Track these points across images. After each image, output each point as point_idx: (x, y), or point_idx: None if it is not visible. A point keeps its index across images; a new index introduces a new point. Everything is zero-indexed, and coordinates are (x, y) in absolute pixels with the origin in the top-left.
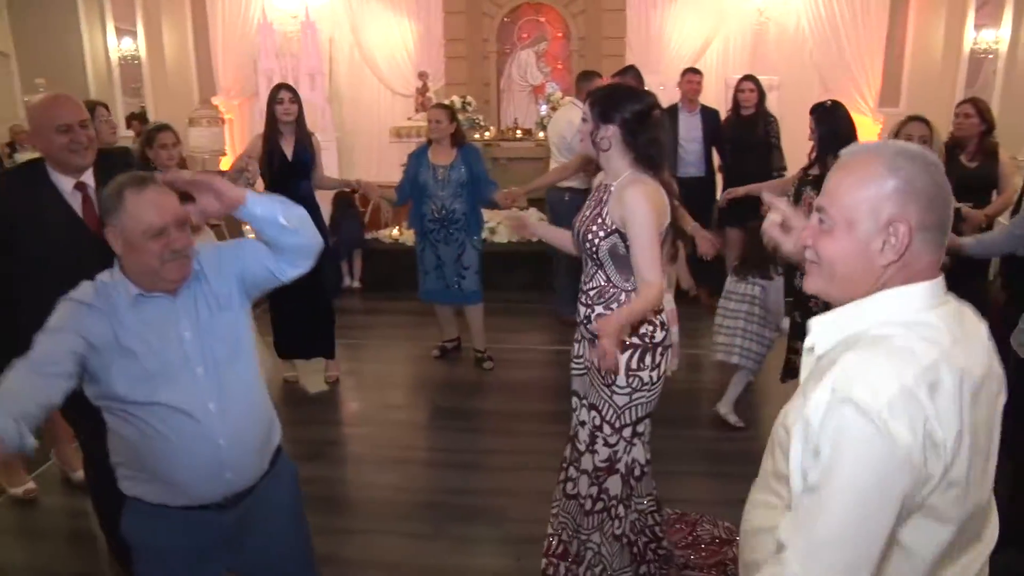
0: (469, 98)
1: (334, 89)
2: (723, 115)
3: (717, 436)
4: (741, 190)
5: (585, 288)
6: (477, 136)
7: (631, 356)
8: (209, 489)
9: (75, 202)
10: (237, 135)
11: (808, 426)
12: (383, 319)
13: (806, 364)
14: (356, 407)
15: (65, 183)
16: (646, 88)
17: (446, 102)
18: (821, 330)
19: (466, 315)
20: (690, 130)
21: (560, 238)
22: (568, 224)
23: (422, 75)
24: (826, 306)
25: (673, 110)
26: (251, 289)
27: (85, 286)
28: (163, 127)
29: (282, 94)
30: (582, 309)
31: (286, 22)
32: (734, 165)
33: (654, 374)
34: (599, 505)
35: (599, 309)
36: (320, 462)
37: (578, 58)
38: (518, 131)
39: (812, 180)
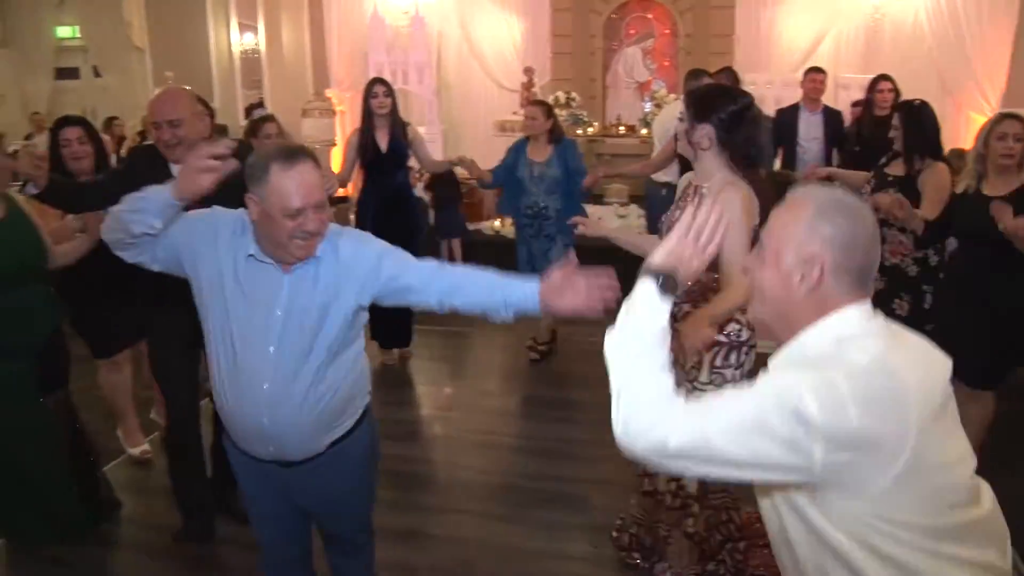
0: (573, 94)
1: (441, 82)
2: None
3: None
4: (824, 171)
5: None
6: (580, 132)
7: (716, 353)
8: (254, 448)
9: None
10: (348, 126)
11: None
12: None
13: None
14: (450, 392)
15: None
16: (744, 87)
17: (549, 98)
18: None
19: None
20: (811, 129)
21: (637, 243)
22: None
23: (528, 70)
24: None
25: (794, 109)
26: (377, 299)
27: (227, 217)
28: (268, 118)
29: (376, 88)
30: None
31: (397, 17)
32: (864, 166)
33: (737, 372)
34: (677, 502)
35: (686, 307)
36: (411, 442)
37: (685, 55)
38: (621, 127)
39: (894, 181)
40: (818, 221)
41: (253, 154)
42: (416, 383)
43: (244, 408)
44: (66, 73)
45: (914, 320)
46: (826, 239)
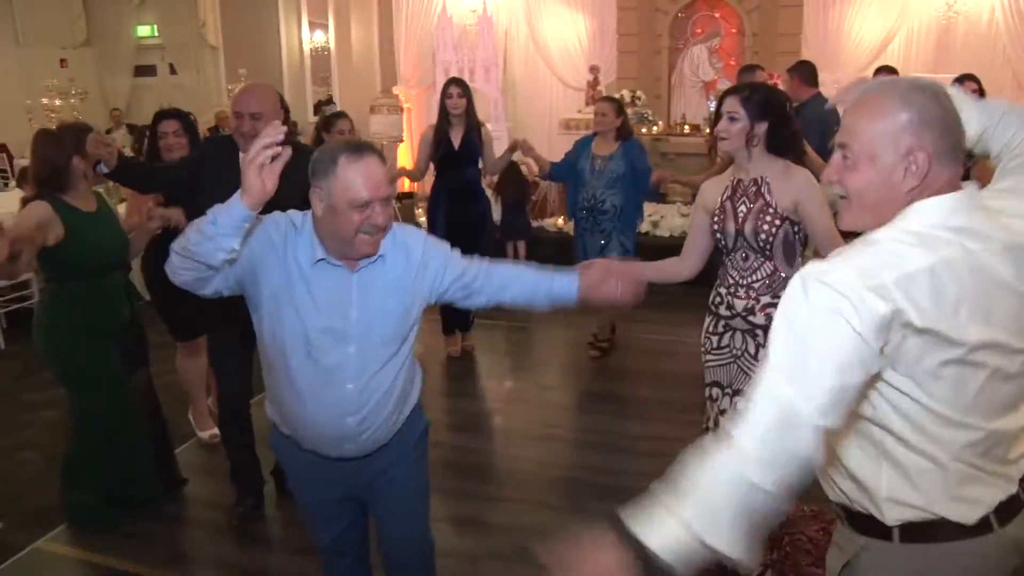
0: (639, 92)
1: (508, 80)
2: None
3: None
4: None
5: (747, 281)
6: (644, 130)
7: None
8: (327, 449)
9: None
10: (415, 123)
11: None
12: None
13: None
14: (511, 385)
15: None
16: (819, 86)
17: (615, 96)
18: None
19: None
20: None
21: (662, 272)
22: None
23: (594, 69)
24: None
25: None
26: (440, 298)
27: (280, 221)
28: (341, 115)
29: (451, 89)
30: (739, 302)
31: (465, 16)
32: None
33: None
34: None
35: (766, 299)
36: (472, 433)
37: (751, 55)
38: (686, 126)
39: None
40: (905, 111)
41: (319, 150)
42: (478, 376)
43: (326, 411)
44: (144, 71)
45: None
46: (919, 126)
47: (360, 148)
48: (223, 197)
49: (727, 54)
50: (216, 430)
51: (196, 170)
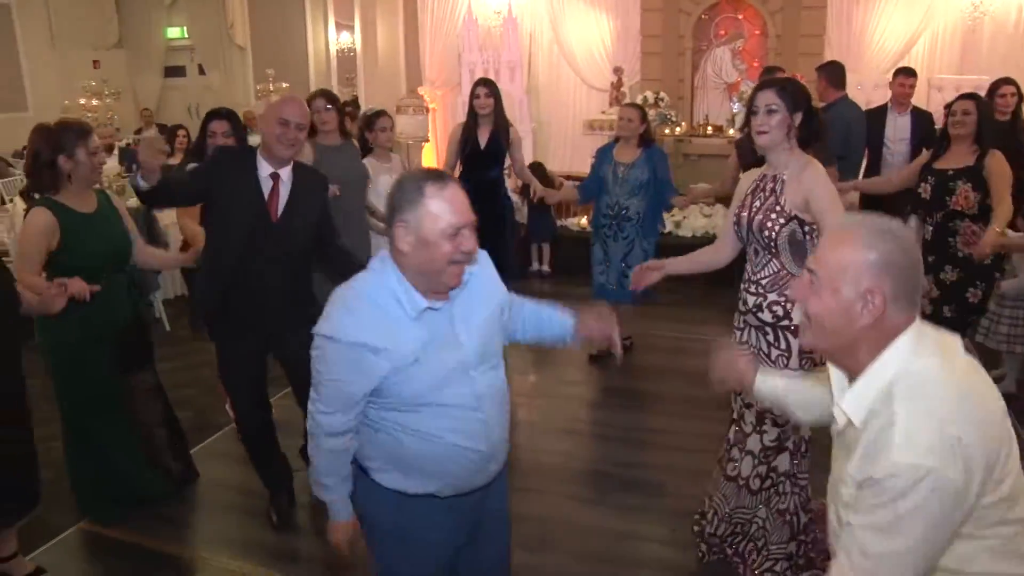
0: (662, 94)
1: (532, 81)
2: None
3: None
4: (848, 186)
5: (755, 278)
6: (668, 131)
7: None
8: (474, 479)
9: (265, 187)
10: (440, 123)
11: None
12: (567, 302)
13: (844, 440)
14: (534, 380)
15: (264, 169)
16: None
17: (638, 98)
18: (851, 408)
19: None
20: (898, 131)
21: (696, 263)
22: None
23: (617, 70)
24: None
25: (882, 111)
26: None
27: (375, 292)
28: (382, 112)
29: (479, 89)
30: (751, 298)
31: (490, 18)
32: None
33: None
34: (767, 483)
35: (772, 296)
36: None
37: (775, 56)
38: (709, 127)
39: (957, 173)
40: (869, 252)
41: (401, 182)
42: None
43: (465, 446)
44: (174, 71)
45: (980, 308)
46: (880, 268)
47: (441, 175)
48: (232, 208)
49: (750, 56)
50: None
51: (209, 184)
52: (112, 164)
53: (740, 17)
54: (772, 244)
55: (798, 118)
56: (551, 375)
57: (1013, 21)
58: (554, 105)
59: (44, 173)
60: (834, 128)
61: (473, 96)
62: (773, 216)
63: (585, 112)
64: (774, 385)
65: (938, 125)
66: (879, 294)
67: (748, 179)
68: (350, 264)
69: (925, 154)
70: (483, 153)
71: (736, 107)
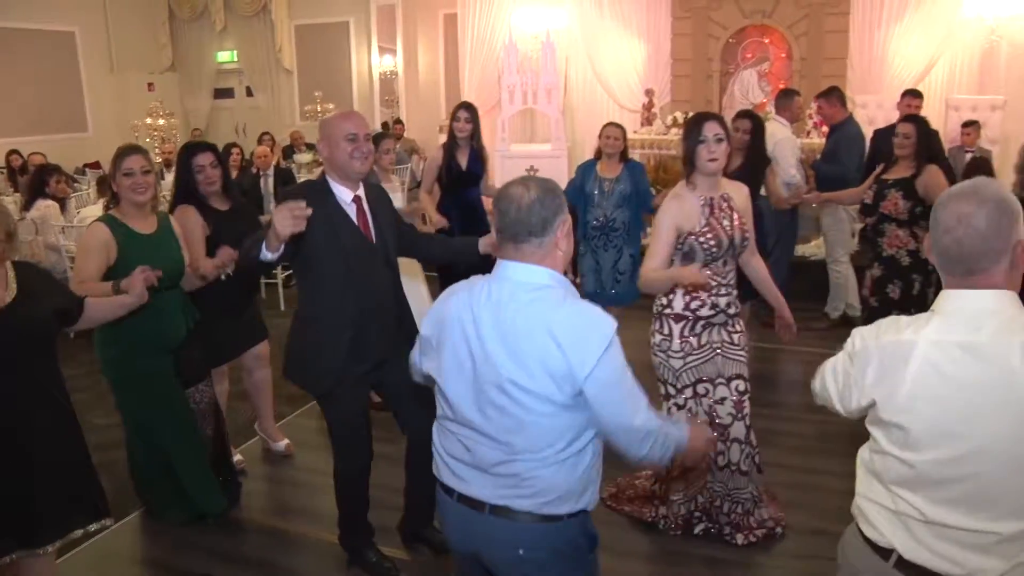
0: (691, 114)
1: (568, 102)
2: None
3: None
4: (820, 197)
5: (726, 280)
6: None
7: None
8: None
9: (351, 211)
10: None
11: None
12: None
13: None
14: None
15: (344, 195)
16: (856, 109)
17: (667, 119)
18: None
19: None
20: None
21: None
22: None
23: (649, 92)
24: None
25: (891, 129)
26: None
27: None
28: (385, 135)
29: (460, 113)
30: (722, 299)
31: (528, 42)
32: None
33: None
34: (756, 459)
35: (735, 292)
36: None
37: (799, 78)
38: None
39: (895, 183)
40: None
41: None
42: None
43: None
44: (223, 93)
45: (903, 304)
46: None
47: None
48: (336, 240)
49: (776, 78)
50: (240, 456)
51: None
52: (170, 180)
53: (766, 41)
54: (742, 250)
55: (729, 147)
56: None
57: None
58: (588, 125)
59: (110, 194)
60: (855, 145)
61: (454, 119)
62: (744, 227)
63: None
64: None
65: (954, 144)
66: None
67: (688, 208)
68: (449, 244)
69: (881, 168)
70: (465, 174)
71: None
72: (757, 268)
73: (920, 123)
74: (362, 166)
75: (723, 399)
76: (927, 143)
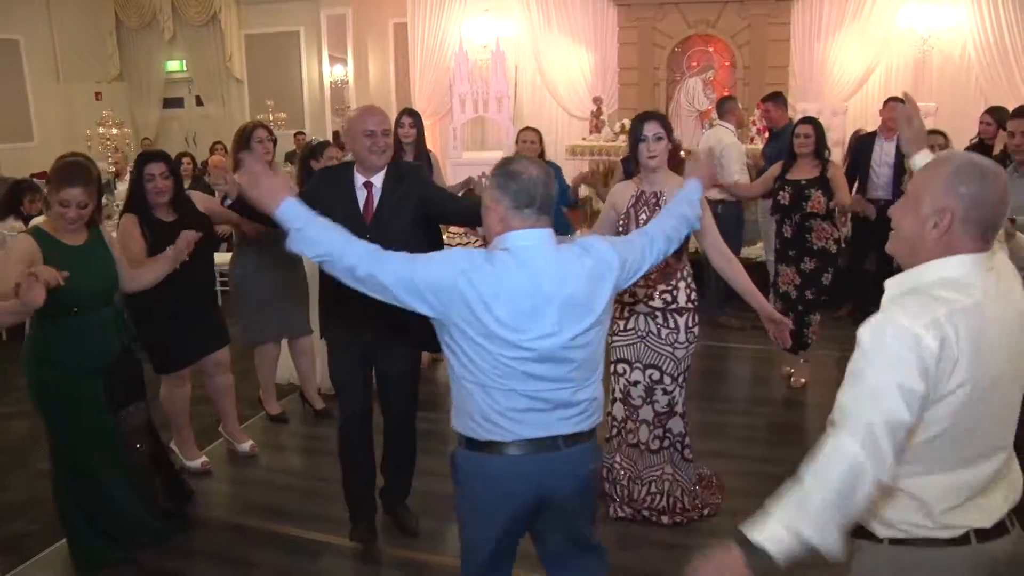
0: None
1: (518, 111)
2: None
3: None
4: (726, 184)
5: (652, 277)
6: None
7: (688, 317)
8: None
9: (360, 196)
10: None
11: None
12: None
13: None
14: None
15: (359, 180)
16: (797, 114)
17: (615, 126)
18: (894, 283)
19: None
20: (883, 156)
21: None
22: (722, 236)
23: (597, 100)
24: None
25: (871, 137)
26: None
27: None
28: (328, 143)
29: (404, 119)
30: (640, 291)
31: (478, 52)
32: None
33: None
34: (666, 443)
35: (661, 286)
36: None
37: (743, 86)
38: (682, 152)
39: (809, 183)
40: (954, 179)
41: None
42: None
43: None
44: (172, 103)
45: (832, 288)
46: (959, 195)
47: None
48: (342, 218)
49: (720, 86)
50: (205, 457)
51: (311, 202)
52: (122, 189)
53: (711, 50)
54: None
55: (670, 144)
56: None
57: (959, 53)
58: None
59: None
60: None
61: (398, 125)
62: None
63: (567, 138)
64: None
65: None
66: (948, 214)
67: (624, 192)
68: (465, 210)
69: (777, 166)
70: None
71: (706, 133)
72: (733, 276)
73: (817, 124)
74: (378, 159)
75: (636, 382)
76: (824, 142)
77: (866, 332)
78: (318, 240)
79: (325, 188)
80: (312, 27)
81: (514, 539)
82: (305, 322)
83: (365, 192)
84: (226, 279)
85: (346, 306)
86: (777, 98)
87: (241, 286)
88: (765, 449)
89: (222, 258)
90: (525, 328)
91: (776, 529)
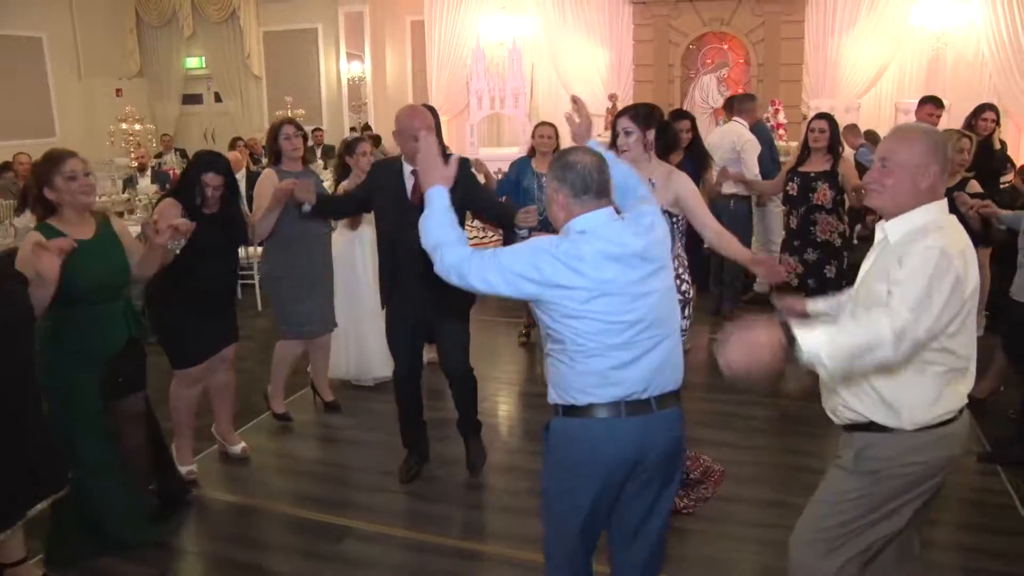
0: None
1: (533, 107)
2: None
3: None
4: (743, 178)
5: None
6: None
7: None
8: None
9: (408, 183)
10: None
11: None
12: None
13: (874, 251)
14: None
15: (407, 169)
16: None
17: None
18: (893, 228)
19: None
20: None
21: None
22: (735, 229)
23: (612, 97)
24: None
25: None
26: None
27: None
28: (362, 139)
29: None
30: None
31: (495, 49)
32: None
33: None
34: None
35: None
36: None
37: (757, 83)
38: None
39: (819, 176)
40: (927, 141)
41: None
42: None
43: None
44: (191, 99)
45: (837, 282)
46: (934, 151)
47: None
48: (383, 201)
49: (735, 83)
50: (194, 467)
51: (368, 193)
52: (145, 184)
53: (725, 47)
54: None
55: (651, 135)
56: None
57: (972, 51)
58: None
59: (37, 207)
60: (762, 143)
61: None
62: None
63: None
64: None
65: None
66: (935, 165)
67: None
68: (505, 210)
69: (792, 160)
70: None
71: (720, 128)
72: (726, 247)
73: (831, 119)
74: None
75: None
76: (837, 137)
77: (917, 253)
78: (434, 228)
79: (380, 176)
80: (330, 24)
81: (605, 510)
82: (332, 319)
83: (412, 179)
84: (250, 273)
85: (404, 281)
86: (749, 98)
87: (274, 282)
88: (771, 438)
89: (251, 252)
90: (612, 278)
91: (819, 336)
